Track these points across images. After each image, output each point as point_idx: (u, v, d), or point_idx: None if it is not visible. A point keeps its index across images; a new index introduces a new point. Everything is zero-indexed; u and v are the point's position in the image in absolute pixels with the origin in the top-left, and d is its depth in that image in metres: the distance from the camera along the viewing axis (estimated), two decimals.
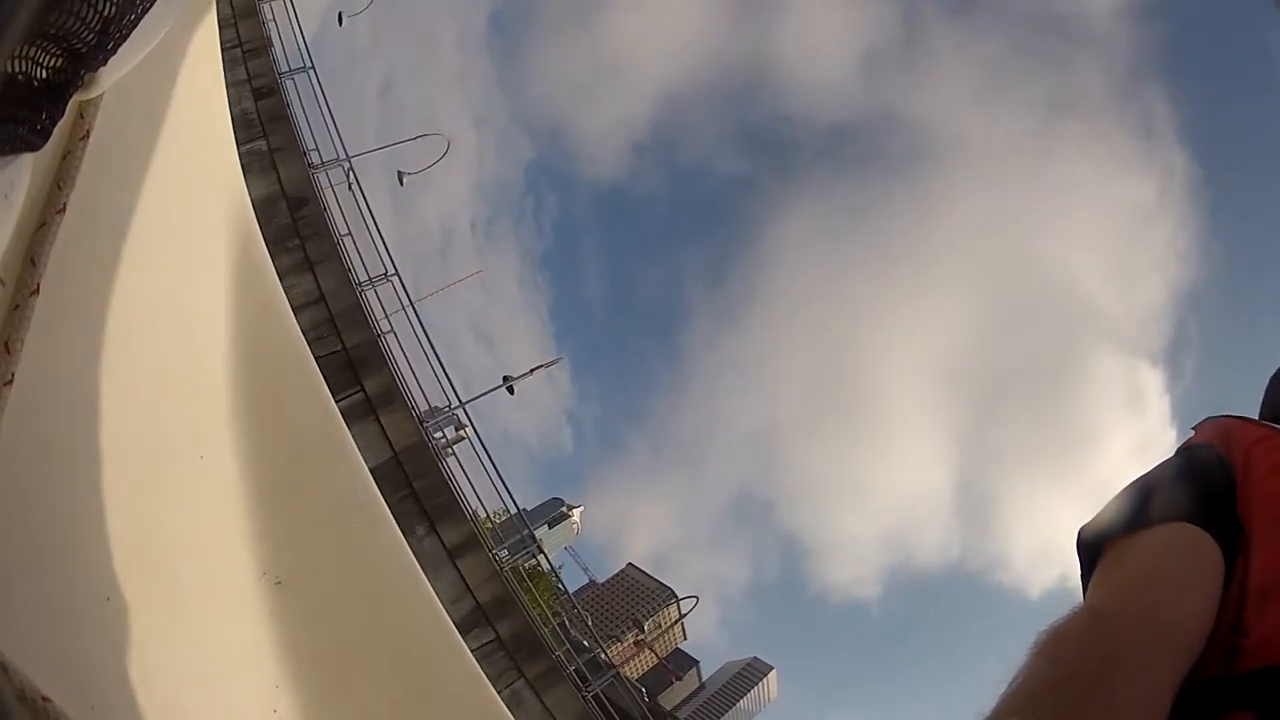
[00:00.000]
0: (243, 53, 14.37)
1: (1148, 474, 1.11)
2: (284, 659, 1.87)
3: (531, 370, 19.89)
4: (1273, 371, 1.20)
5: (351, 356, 12.02)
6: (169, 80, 1.62)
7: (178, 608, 1.58)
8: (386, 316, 13.67)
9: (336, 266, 12.92)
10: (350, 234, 13.99)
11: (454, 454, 13.33)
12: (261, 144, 13.49)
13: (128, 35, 1.14)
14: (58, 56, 0.98)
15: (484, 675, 2.48)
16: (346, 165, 14.92)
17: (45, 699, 0.93)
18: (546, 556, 15.55)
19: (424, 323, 14.39)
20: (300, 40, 16.16)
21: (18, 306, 1.03)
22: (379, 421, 11.72)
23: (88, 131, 1.17)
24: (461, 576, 11.36)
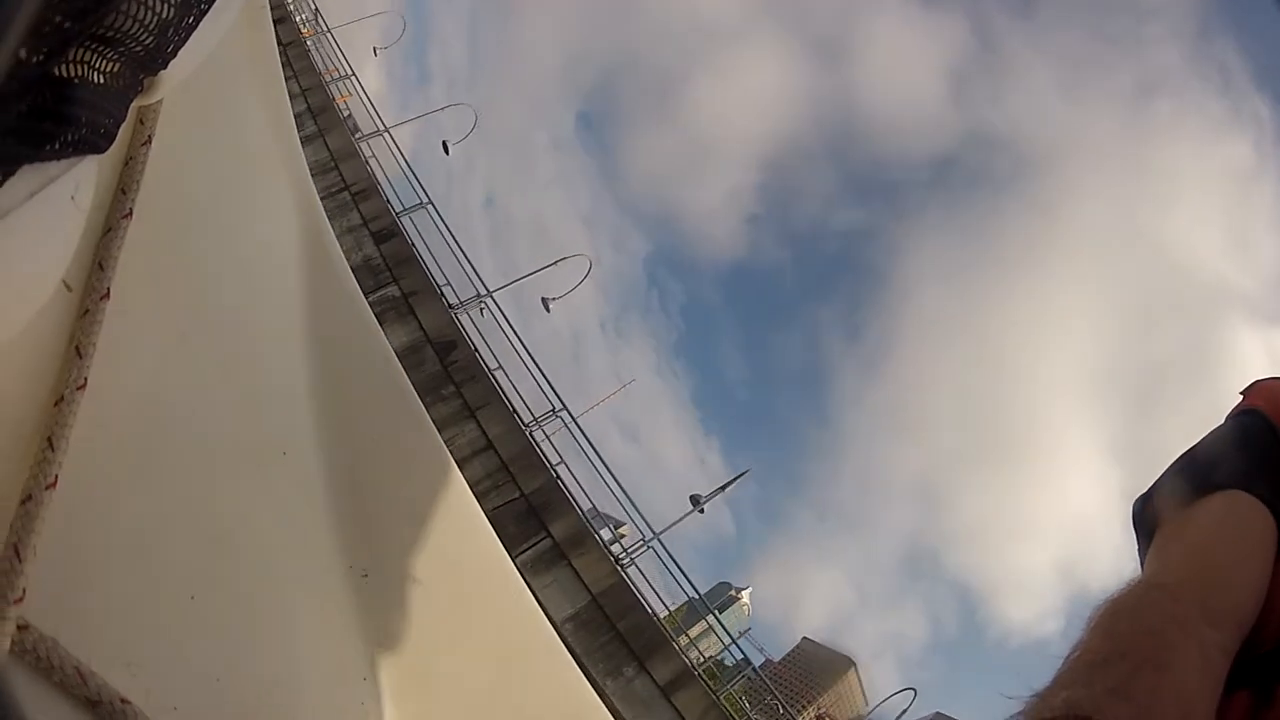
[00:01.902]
0: (351, 196, 14.09)
1: (1199, 443, 1.09)
2: (370, 651, 1.88)
3: (722, 487, 19.17)
4: None
5: (532, 503, 11.77)
6: (229, 84, 1.63)
7: (262, 603, 1.60)
8: (554, 446, 13.11)
9: (500, 411, 12.61)
10: (501, 367, 13.51)
11: (625, 552, 12.96)
12: (393, 290, 13.22)
13: (185, 39, 1.15)
14: (115, 61, 0.98)
15: (574, 664, 2.46)
16: (487, 299, 14.45)
17: (124, 700, 0.94)
18: (765, 680, 14.92)
19: (594, 442, 13.76)
20: (410, 175, 15.87)
21: (87, 311, 1.05)
22: (572, 566, 11.47)
23: (149, 137, 1.18)
24: (679, 713, 11.15)
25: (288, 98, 1.98)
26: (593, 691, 2.44)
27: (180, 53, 1.13)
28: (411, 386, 2.34)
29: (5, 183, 0.65)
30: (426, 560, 2.10)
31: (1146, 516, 1.04)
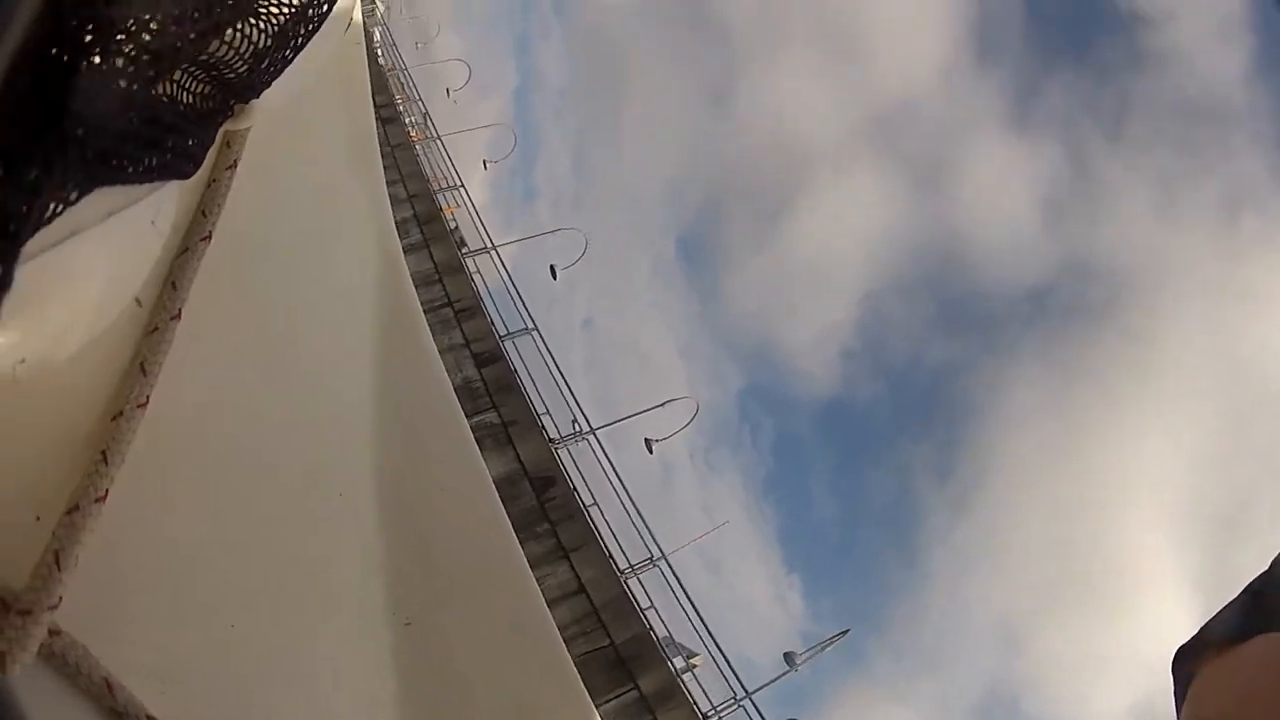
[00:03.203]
0: (454, 313, 13.83)
1: (1246, 588, 1.03)
2: (407, 700, 1.85)
3: (820, 646, 18.37)
4: None
5: (622, 654, 11.42)
6: (319, 118, 1.67)
7: (303, 639, 1.58)
8: (642, 585, 12.66)
9: (595, 554, 12.28)
10: (596, 503, 13.08)
11: (696, 679, 12.33)
12: (492, 415, 12.96)
13: (280, 71, 1.18)
14: (208, 85, 1.00)
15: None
16: (589, 436, 14.03)
17: (151, 718, 0.92)
18: None
19: (693, 600, 13.07)
20: (515, 295, 15.47)
21: (156, 329, 1.06)
22: None
23: (234, 162, 1.20)
24: None
25: (376, 138, 2.03)
26: None
27: (274, 84, 1.15)
28: (469, 426, 2.33)
29: (80, 201, 0.65)
30: (472, 615, 2.07)
31: (1187, 661, 0.99)
